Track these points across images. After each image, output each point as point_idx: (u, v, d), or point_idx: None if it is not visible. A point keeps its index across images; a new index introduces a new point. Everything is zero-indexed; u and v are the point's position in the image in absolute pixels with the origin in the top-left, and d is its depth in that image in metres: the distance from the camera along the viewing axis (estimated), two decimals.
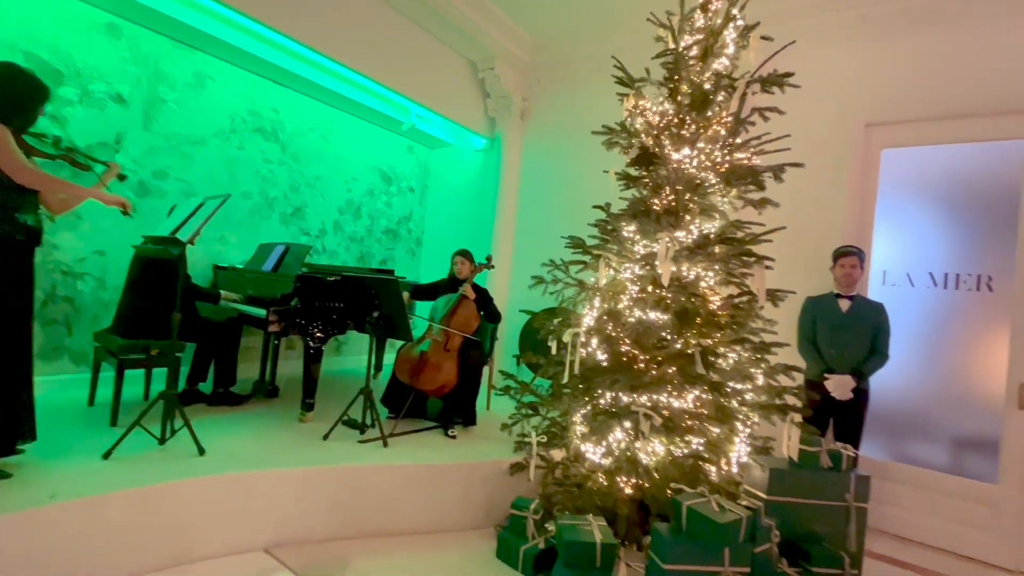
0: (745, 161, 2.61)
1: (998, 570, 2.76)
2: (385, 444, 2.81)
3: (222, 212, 2.98)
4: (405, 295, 3.51)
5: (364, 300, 3.11)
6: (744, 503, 2.21)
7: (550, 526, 2.47)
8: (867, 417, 2.93)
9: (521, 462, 2.74)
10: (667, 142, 2.65)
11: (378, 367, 4.54)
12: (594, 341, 2.64)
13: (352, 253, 5.19)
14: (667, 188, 2.62)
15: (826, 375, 2.94)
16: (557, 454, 2.79)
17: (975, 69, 2.99)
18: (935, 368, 3.14)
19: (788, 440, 2.45)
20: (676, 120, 2.65)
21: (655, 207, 2.62)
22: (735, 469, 2.51)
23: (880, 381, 2.96)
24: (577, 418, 2.69)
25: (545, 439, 2.76)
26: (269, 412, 3.21)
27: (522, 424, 2.86)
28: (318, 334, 3.11)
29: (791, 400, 2.54)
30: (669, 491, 2.33)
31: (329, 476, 2.45)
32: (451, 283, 3.64)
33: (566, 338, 2.57)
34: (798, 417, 2.50)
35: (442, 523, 2.66)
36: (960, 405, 3.06)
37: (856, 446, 2.87)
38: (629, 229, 2.69)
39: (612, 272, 2.75)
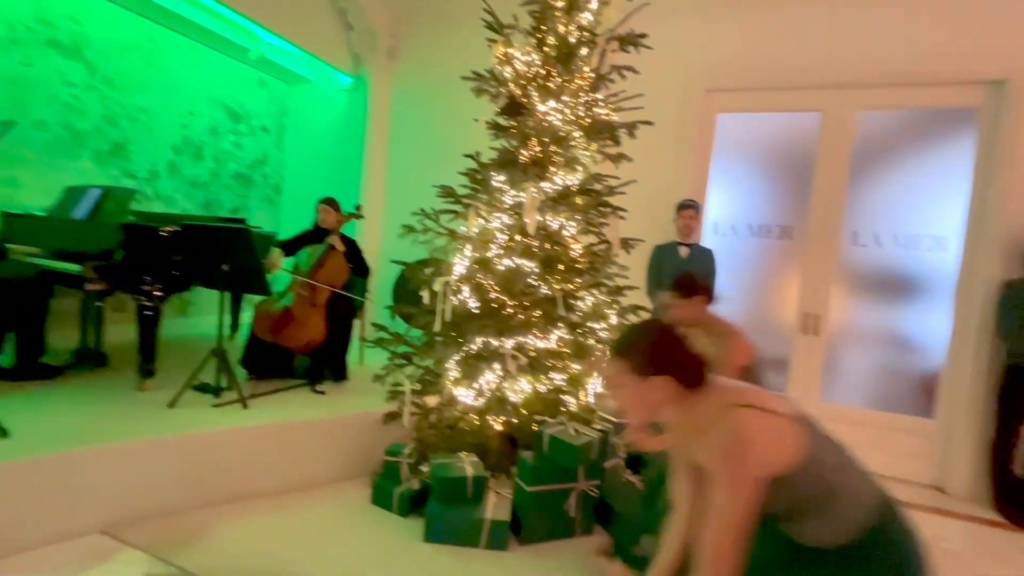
0: (604, 116, 2.77)
1: None
2: (244, 406, 2.63)
3: (8, 146, 2.40)
4: (277, 252, 3.21)
5: (211, 253, 2.78)
6: (598, 427, 2.50)
7: (425, 468, 2.55)
8: None
9: (395, 411, 2.76)
10: (535, 93, 2.70)
11: (234, 326, 4.15)
12: (465, 289, 2.70)
13: (195, 200, 4.56)
14: (534, 139, 2.70)
15: None
16: (431, 400, 2.85)
17: (788, 47, 3.47)
18: (750, 303, 3.77)
19: None
20: (543, 71, 2.70)
21: (523, 158, 2.68)
22: (591, 399, 2.80)
23: None
24: (450, 364, 2.76)
25: (419, 387, 2.80)
26: (97, 384, 2.79)
27: (395, 374, 2.86)
28: (155, 292, 2.73)
29: None
30: (534, 424, 2.53)
31: (177, 445, 2.23)
32: (316, 233, 3.41)
33: (437, 287, 2.58)
34: None
35: (314, 478, 2.61)
36: (766, 332, 3.73)
37: None
38: (499, 179, 2.73)
39: (482, 221, 2.80)
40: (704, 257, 3.41)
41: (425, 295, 2.72)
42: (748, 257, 3.75)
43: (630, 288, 2.89)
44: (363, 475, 2.71)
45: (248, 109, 4.96)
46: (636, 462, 2.73)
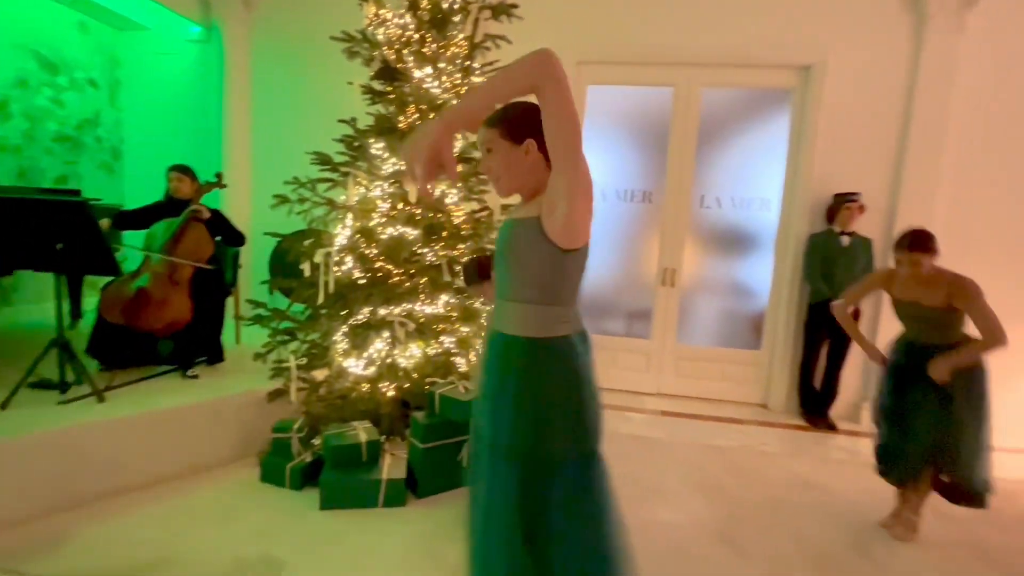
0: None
1: (646, 396, 4.03)
2: (101, 399, 2.38)
3: None
4: (104, 222, 2.83)
5: (38, 231, 2.40)
6: None
7: (317, 441, 2.55)
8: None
9: (280, 388, 2.68)
10: (410, 58, 2.67)
11: (75, 313, 3.64)
12: (349, 260, 2.66)
13: (5, 168, 3.82)
14: (412, 106, 2.68)
15: None
16: (319, 374, 2.81)
17: (647, 25, 3.78)
18: (619, 261, 4.17)
19: None
20: (417, 36, 2.68)
21: (401, 125, 2.67)
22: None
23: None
24: (338, 336, 2.74)
25: (305, 361, 2.74)
26: None
27: (279, 351, 2.76)
28: None
29: None
30: (426, 386, 2.64)
31: (17, 449, 1.98)
32: (171, 205, 3.08)
33: (318, 259, 2.52)
34: None
35: (195, 465, 2.48)
36: (632, 287, 4.18)
37: None
38: (377, 146, 2.70)
39: (363, 190, 2.75)
40: None
41: (306, 267, 2.64)
42: (616, 220, 4.12)
43: None
44: (250, 456, 2.63)
45: (67, 58, 4.19)
46: None
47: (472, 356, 2.97)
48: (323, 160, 2.71)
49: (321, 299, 2.53)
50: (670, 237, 4.00)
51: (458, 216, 2.83)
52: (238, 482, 2.40)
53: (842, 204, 3.49)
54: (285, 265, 3.44)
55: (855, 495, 2.60)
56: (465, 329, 2.94)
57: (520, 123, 1.14)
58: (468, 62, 2.76)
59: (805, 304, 3.70)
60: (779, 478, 2.80)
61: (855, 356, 3.56)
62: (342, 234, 2.70)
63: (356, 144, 2.70)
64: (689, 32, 3.73)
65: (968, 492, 2.13)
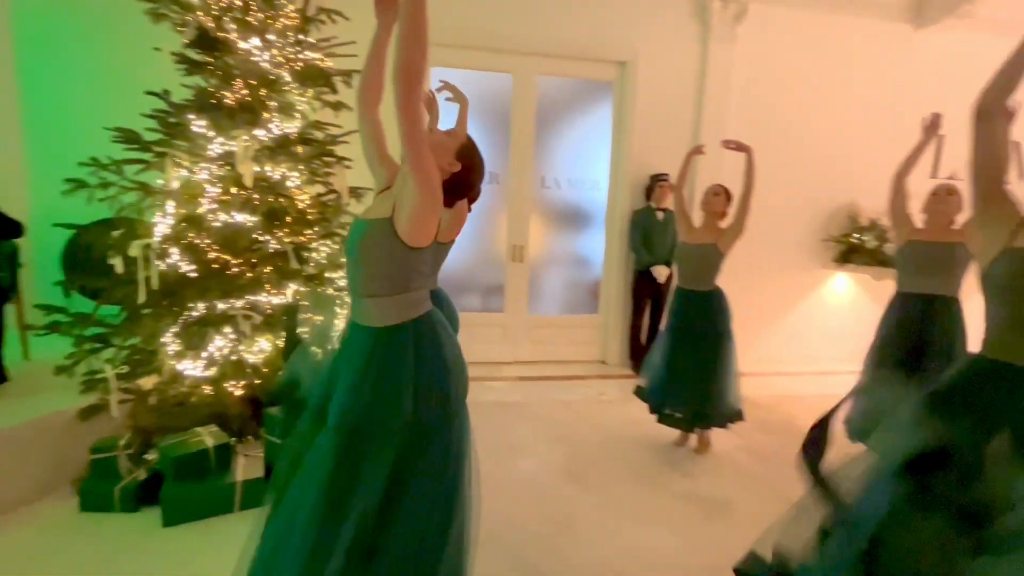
0: (318, 62, 2.70)
1: (504, 364, 4.32)
2: None
3: None
4: None
5: None
6: None
7: (151, 455, 2.29)
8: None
9: (97, 402, 2.33)
10: (232, 26, 2.43)
11: None
12: (174, 251, 2.38)
13: None
14: (239, 80, 2.46)
15: None
16: (147, 382, 2.50)
17: (486, 11, 3.91)
18: (471, 240, 4.34)
19: None
20: (240, 2, 2.44)
21: (228, 101, 2.43)
22: (337, 347, 2.91)
23: None
24: (167, 338, 2.45)
25: (127, 369, 2.41)
26: None
27: (88, 361, 2.37)
28: None
29: None
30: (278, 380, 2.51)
31: None
32: None
33: (134, 252, 2.22)
34: None
35: None
36: (485, 264, 4.40)
37: None
38: (199, 124, 2.42)
39: (185, 173, 2.46)
40: None
41: (117, 263, 2.30)
42: None
43: None
44: (63, 486, 2.25)
45: None
46: None
47: (329, 345, 2.89)
48: (129, 138, 2.35)
49: (142, 297, 2.24)
50: (517, 216, 4.28)
51: (302, 200, 2.70)
52: (50, 518, 2.05)
53: (656, 184, 4.09)
54: (86, 261, 2.92)
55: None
56: (319, 318, 2.85)
57: (470, 152, 1.33)
58: (301, 35, 2.60)
59: (632, 271, 4.28)
60: (614, 420, 3.28)
61: None
62: (163, 223, 2.40)
63: (172, 121, 2.39)
64: (525, 23, 3.96)
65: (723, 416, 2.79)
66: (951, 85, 4.66)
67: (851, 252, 4.49)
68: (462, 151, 1.34)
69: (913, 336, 2.40)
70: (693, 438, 2.94)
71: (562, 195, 4.40)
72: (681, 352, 2.77)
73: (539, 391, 3.77)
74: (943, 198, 2.47)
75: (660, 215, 4.10)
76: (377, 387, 1.19)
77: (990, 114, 1.25)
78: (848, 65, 4.45)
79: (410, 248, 1.18)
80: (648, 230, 4.11)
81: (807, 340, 4.72)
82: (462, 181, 1.33)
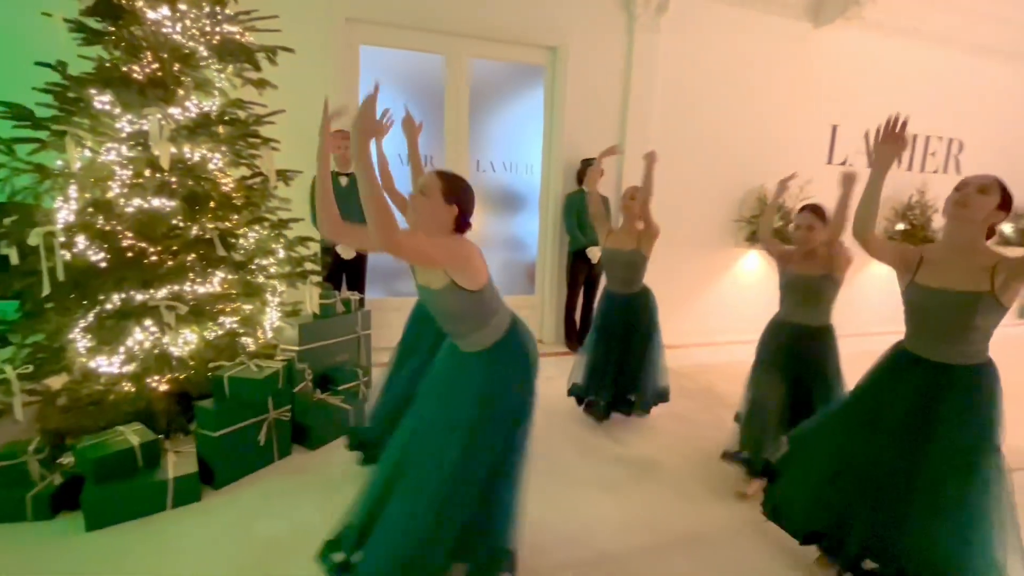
0: (237, 36, 2.55)
1: None
2: None
3: None
4: None
5: None
6: (281, 359, 2.58)
7: (66, 458, 2.14)
8: (368, 268, 3.80)
9: None
10: None
11: None
12: (81, 239, 2.20)
13: None
14: (148, 54, 2.28)
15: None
16: (56, 381, 2.32)
17: None
18: (405, 225, 4.30)
19: (310, 299, 2.93)
20: None
21: (136, 75, 2.25)
22: (270, 335, 2.82)
23: None
24: (76, 334, 2.28)
25: (32, 369, 2.22)
26: None
27: None
28: None
29: (310, 266, 2.99)
30: (209, 372, 2.42)
31: None
32: None
33: (34, 240, 2.03)
34: (317, 279, 3.00)
35: None
36: None
37: (362, 291, 3.71)
38: (103, 100, 2.23)
39: (88, 153, 2.27)
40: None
41: (11, 253, 2.09)
42: (402, 184, 4.17)
43: (295, 220, 2.92)
44: None
45: None
46: (324, 380, 2.97)
47: (260, 333, 2.80)
48: (19, 114, 2.13)
49: (46, 290, 2.06)
50: None
51: (226, 184, 2.57)
52: None
53: (587, 168, 4.23)
54: None
55: None
56: (248, 307, 2.75)
57: (456, 188, 1.49)
58: (217, 7, 2.45)
59: (567, 253, 4.44)
60: (553, 395, 3.42)
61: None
62: (65, 208, 2.20)
63: (72, 96, 2.19)
64: (457, 3, 3.91)
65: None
66: (844, 79, 5.17)
67: None
68: (449, 192, 1.50)
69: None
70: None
71: (498, 178, 4.45)
72: (608, 349, 2.96)
73: None
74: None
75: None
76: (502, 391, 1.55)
77: (864, 240, 1.70)
78: (757, 58, 4.80)
79: (474, 292, 1.49)
80: (581, 213, 4.26)
81: (723, 313, 5.13)
82: (465, 215, 1.54)
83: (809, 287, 2.28)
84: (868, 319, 5.59)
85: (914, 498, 1.54)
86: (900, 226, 5.46)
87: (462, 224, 1.54)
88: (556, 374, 3.89)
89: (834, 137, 5.29)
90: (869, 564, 1.62)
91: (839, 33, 4.96)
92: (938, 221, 5.42)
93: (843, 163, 5.37)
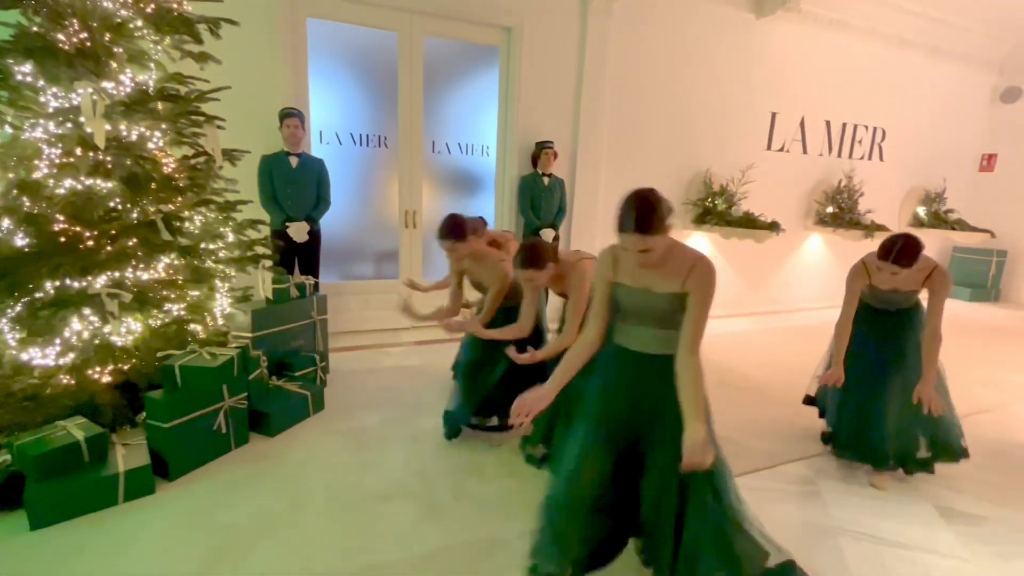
0: (174, 5, 2.39)
1: (401, 331, 4.36)
2: None
3: None
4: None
5: None
6: (234, 346, 2.51)
7: (2, 456, 2.02)
8: (321, 251, 3.71)
9: None
10: None
11: None
12: (5, 223, 2.05)
13: None
14: (75, 21, 2.11)
15: (287, 223, 3.45)
16: None
17: None
18: (362, 206, 4.22)
19: (263, 284, 2.85)
20: None
21: (62, 45, 2.08)
22: (220, 322, 2.73)
23: (327, 222, 3.74)
24: (2, 325, 2.13)
25: None
26: None
27: None
28: None
29: (261, 250, 2.90)
30: (157, 361, 2.33)
31: None
32: None
33: None
34: (269, 263, 2.91)
35: None
36: (378, 230, 4.32)
37: (316, 275, 3.63)
38: (24, 70, 2.06)
39: (9, 130, 2.09)
40: (315, 166, 3.56)
41: None
42: (354, 165, 4.11)
43: (243, 202, 2.81)
44: None
45: None
46: (280, 366, 2.92)
47: (210, 320, 2.71)
48: None
49: None
50: (408, 181, 4.24)
51: (168, 164, 2.44)
52: None
53: (541, 150, 4.29)
54: None
55: None
56: (195, 293, 2.64)
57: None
58: None
59: (524, 233, 4.50)
60: None
61: None
62: None
63: None
64: None
65: None
66: (782, 69, 5.44)
67: (706, 214, 5.16)
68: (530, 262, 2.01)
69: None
70: None
71: (453, 160, 4.42)
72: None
73: (436, 354, 3.88)
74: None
75: (546, 180, 4.33)
76: None
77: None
78: (704, 45, 4.97)
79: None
80: (535, 195, 4.32)
81: None
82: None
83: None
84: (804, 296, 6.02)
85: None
86: (830, 209, 5.87)
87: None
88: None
89: (773, 124, 5.58)
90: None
91: (779, 24, 5.20)
92: (863, 204, 5.88)
93: (781, 149, 5.69)
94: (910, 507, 2.20)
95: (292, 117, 3.39)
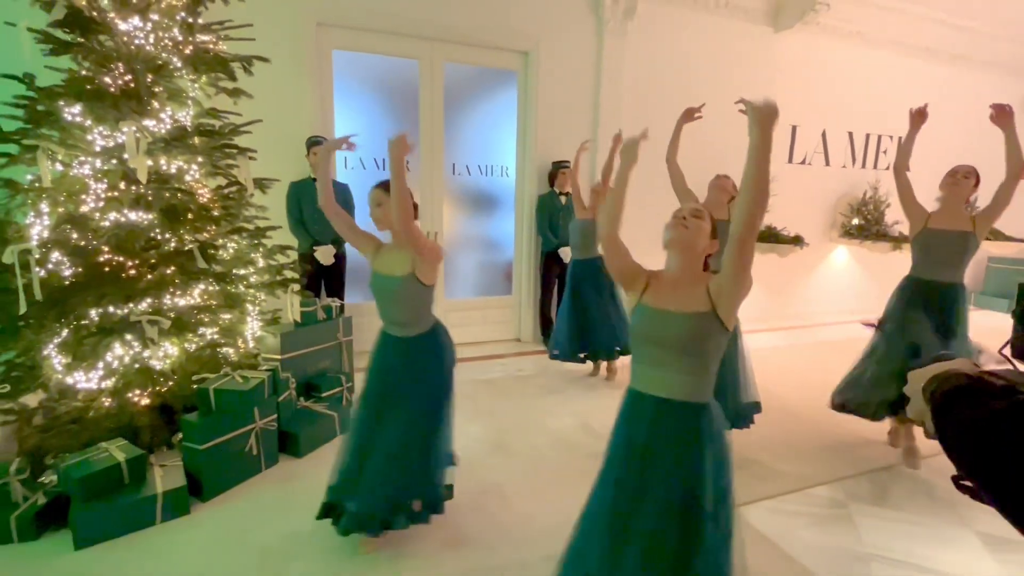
0: (211, 46, 2.53)
1: None
2: None
3: None
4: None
5: None
6: (264, 368, 2.60)
7: (48, 477, 2.12)
8: (347, 274, 3.81)
9: None
10: (107, 3, 2.21)
11: None
12: (56, 255, 2.17)
13: None
14: (120, 65, 2.25)
15: (314, 247, 3.56)
16: (32, 399, 2.29)
17: None
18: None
19: (292, 307, 2.94)
20: None
21: (110, 88, 2.22)
22: (251, 344, 2.83)
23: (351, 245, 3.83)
24: (50, 351, 2.25)
25: (7, 388, 2.18)
26: None
27: None
28: None
29: (289, 274, 3.00)
30: (193, 385, 2.42)
31: None
32: None
33: (8, 258, 1.99)
34: (296, 286, 3.01)
35: None
36: None
37: (341, 297, 3.72)
38: (74, 112, 2.20)
39: (60, 167, 2.23)
40: (340, 192, 3.67)
41: None
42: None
43: (272, 228, 2.92)
44: None
45: None
46: (308, 387, 2.99)
47: (241, 343, 2.80)
48: None
49: (23, 308, 2.03)
50: (429, 202, 4.33)
51: (203, 194, 2.56)
52: None
53: (559, 170, 4.34)
54: None
55: (581, 391, 3.52)
56: (227, 316, 2.74)
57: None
58: (191, 18, 2.42)
59: (540, 253, 4.54)
60: (532, 392, 3.54)
61: None
62: (38, 224, 2.17)
63: (41, 109, 2.14)
64: (429, 8, 3.93)
65: None
66: (802, 81, 5.41)
67: None
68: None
69: (923, 319, 2.52)
70: (603, 367, 3.94)
71: (473, 181, 4.51)
72: (582, 308, 3.63)
73: (460, 372, 3.89)
74: (959, 180, 2.56)
75: (563, 199, 4.37)
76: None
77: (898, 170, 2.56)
78: (721, 61, 4.98)
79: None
80: (553, 214, 4.36)
81: None
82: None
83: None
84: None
85: None
86: (856, 221, 5.76)
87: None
88: (534, 371, 4.00)
89: (794, 136, 5.53)
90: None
91: (797, 37, 5.19)
92: (890, 215, 5.76)
93: (803, 161, 5.63)
94: (949, 532, 2.13)
95: (319, 145, 3.51)
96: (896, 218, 5.76)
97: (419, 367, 1.94)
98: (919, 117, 2.71)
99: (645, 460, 1.35)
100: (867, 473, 2.56)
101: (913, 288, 2.63)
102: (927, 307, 2.54)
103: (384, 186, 2.07)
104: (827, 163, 5.76)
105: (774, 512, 2.24)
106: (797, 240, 5.00)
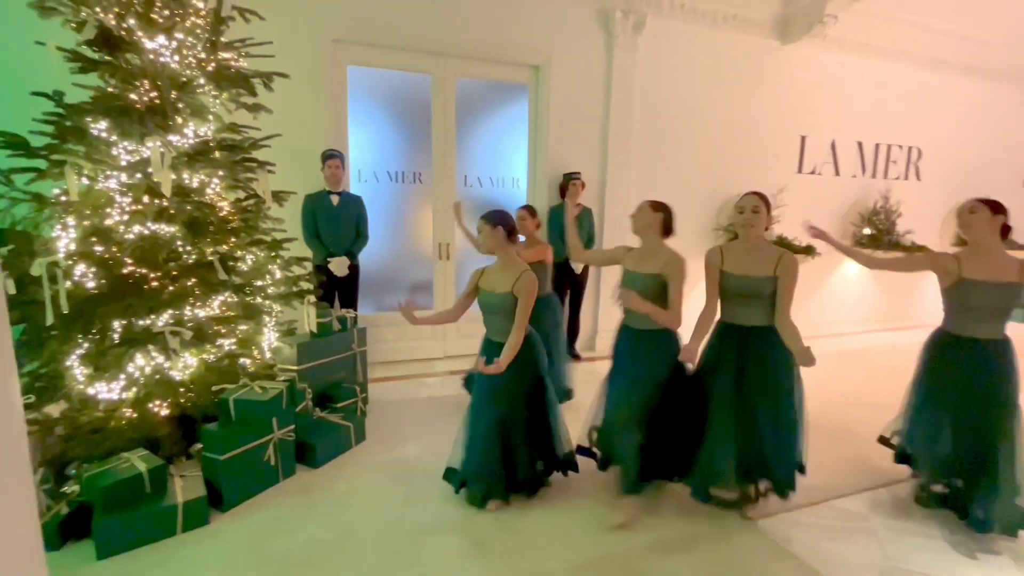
0: (232, 62, 2.59)
1: (436, 360, 4.42)
2: None
3: None
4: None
5: None
6: (281, 379, 2.61)
7: (71, 486, 2.14)
8: (360, 285, 3.84)
9: None
10: (134, 23, 2.27)
11: None
12: (81, 267, 2.21)
13: None
14: (146, 82, 2.31)
15: (328, 259, 3.60)
16: (54, 409, 2.31)
17: (404, 10, 3.90)
18: (398, 240, 4.36)
19: (308, 318, 2.96)
20: None
21: (136, 104, 2.28)
22: (268, 355, 2.85)
23: (365, 255, 3.87)
24: (72, 361, 2.28)
25: (33, 399, 2.21)
26: None
27: None
28: None
29: (305, 285, 3.02)
30: (213, 396, 2.43)
31: None
32: None
33: (37, 271, 2.03)
34: (312, 298, 3.03)
35: None
36: (413, 262, 4.44)
37: (355, 308, 3.75)
38: (100, 127, 2.25)
39: (86, 181, 2.28)
40: (354, 203, 3.72)
41: (11, 283, 2.09)
42: (391, 200, 4.27)
43: (289, 240, 2.95)
44: None
45: None
46: (323, 398, 3.00)
47: (258, 354, 2.82)
48: (15, 143, 2.13)
49: (51, 319, 2.06)
50: (441, 214, 4.36)
51: (223, 207, 2.60)
52: None
53: (569, 181, 4.36)
54: None
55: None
56: (244, 327, 2.77)
57: None
58: (214, 36, 2.49)
59: (553, 262, 4.54)
60: None
61: (587, 302, 4.61)
62: (65, 237, 2.21)
63: (69, 125, 2.20)
64: (442, 24, 4.01)
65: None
66: (811, 93, 5.44)
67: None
68: None
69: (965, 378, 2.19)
70: None
71: (485, 192, 4.55)
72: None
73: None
74: (970, 220, 2.14)
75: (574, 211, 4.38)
76: None
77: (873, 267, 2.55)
78: (730, 74, 5.02)
79: None
80: (563, 225, 4.37)
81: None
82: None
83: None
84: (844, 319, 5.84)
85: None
86: (867, 231, 5.74)
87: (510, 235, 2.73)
88: None
89: (803, 148, 5.55)
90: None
91: (805, 50, 5.22)
92: (902, 224, 5.74)
93: (812, 172, 5.64)
94: (973, 546, 2.09)
95: (334, 158, 3.56)
96: (907, 227, 5.75)
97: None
98: (818, 236, 2.57)
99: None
100: (889, 485, 2.52)
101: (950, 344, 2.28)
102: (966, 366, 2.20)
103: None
104: (837, 173, 5.76)
105: (796, 525, 2.22)
106: (809, 250, 4.98)
